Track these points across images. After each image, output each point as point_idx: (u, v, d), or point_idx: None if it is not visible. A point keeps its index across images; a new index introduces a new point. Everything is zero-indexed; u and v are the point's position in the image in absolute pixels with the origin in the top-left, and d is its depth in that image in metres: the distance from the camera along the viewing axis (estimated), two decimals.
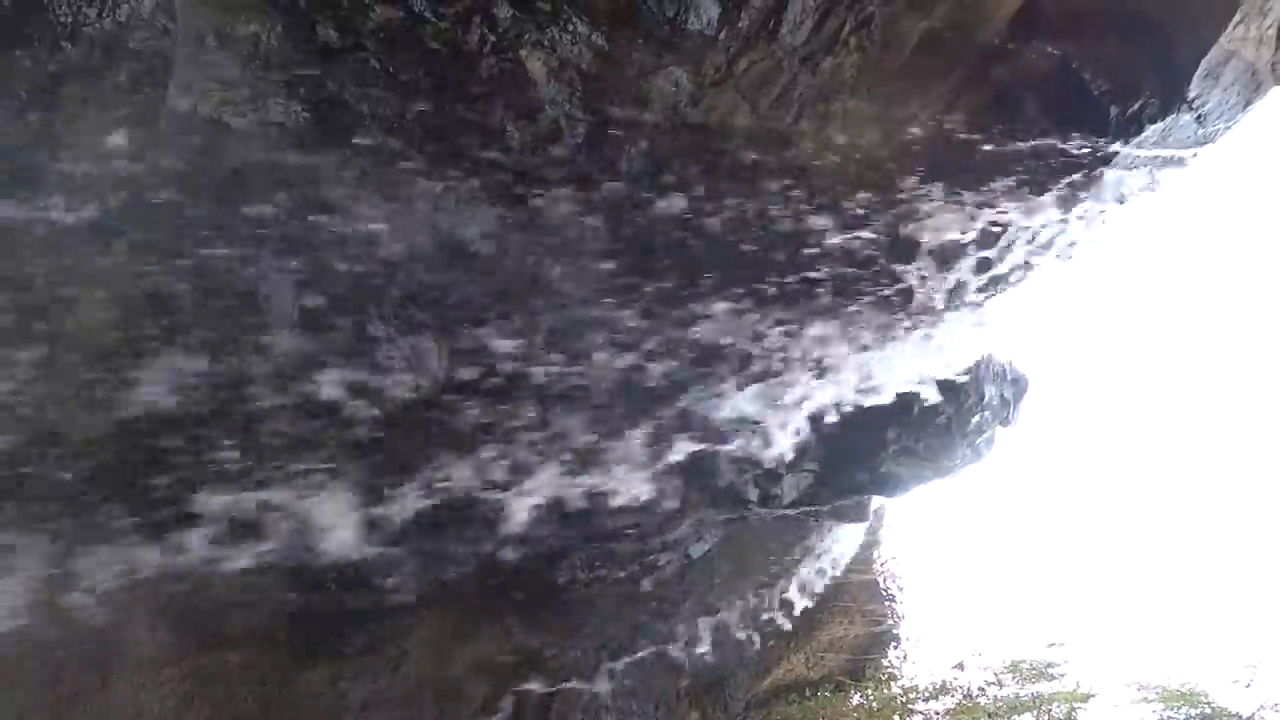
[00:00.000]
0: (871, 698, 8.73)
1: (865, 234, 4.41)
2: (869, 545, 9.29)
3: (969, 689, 9.04)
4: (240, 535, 3.96)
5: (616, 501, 4.83)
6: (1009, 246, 4.81)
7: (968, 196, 4.38)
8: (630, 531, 5.40)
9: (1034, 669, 9.50)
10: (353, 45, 3.48)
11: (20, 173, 3.18)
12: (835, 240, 4.42)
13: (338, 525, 4.17)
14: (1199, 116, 4.49)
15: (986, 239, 4.75)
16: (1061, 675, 9.44)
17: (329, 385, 3.94)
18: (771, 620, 7.45)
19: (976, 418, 6.32)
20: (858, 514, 7.59)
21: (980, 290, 5.15)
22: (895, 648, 9.37)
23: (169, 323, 3.61)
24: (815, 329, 4.79)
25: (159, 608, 4.21)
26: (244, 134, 3.51)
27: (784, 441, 5.25)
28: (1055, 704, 8.91)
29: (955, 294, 5.06)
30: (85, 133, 3.23)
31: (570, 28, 3.65)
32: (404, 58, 3.55)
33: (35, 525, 3.59)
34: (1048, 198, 4.51)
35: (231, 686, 4.58)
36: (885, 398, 5.52)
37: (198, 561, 3.89)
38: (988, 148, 4.24)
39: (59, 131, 3.20)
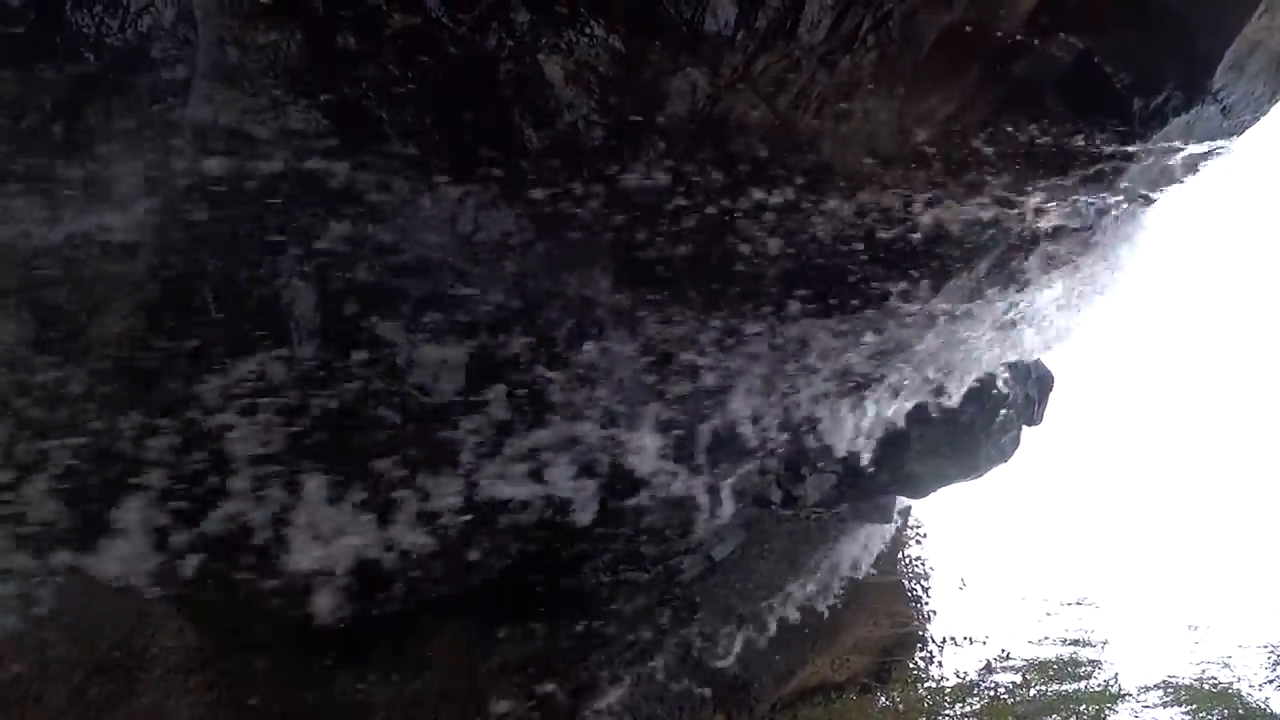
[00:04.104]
0: (898, 700, 8.67)
1: (886, 234, 4.38)
2: (893, 546, 9.24)
3: (996, 691, 8.96)
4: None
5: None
6: (1032, 243, 4.77)
7: (987, 192, 4.34)
8: (654, 533, 5.40)
9: (1062, 669, 9.42)
10: (371, 51, 3.50)
11: (45, 183, 3.22)
12: (859, 243, 4.40)
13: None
14: (1224, 108, 4.43)
15: (1007, 235, 4.71)
16: (1090, 675, 9.35)
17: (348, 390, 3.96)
18: (795, 622, 7.42)
19: (1001, 417, 6.27)
20: (881, 515, 7.55)
21: (1002, 289, 5.11)
22: (921, 649, 9.30)
23: (192, 331, 3.64)
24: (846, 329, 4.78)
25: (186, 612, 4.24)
26: (265, 142, 3.53)
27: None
28: (1084, 705, 8.83)
29: (975, 293, 5.02)
30: (108, 142, 3.27)
31: (587, 31, 3.65)
32: (422, 63, 3.57)
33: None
34: (1069, 193, 4.47)
35: (257, 691, 4.60)
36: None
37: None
38: (1007, 142, 4.20)
39: (83, 141, 3.23)
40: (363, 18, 3.44)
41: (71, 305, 3.47)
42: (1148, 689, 9.06)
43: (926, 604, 9.76)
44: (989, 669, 9.28)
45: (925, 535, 10.40)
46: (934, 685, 8.99)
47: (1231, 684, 9.09)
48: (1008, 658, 9.50)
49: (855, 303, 4.61)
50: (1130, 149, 4.34)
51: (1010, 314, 5.33)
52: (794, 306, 4.51)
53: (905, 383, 5.25)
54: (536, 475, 4.44)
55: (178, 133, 3.40)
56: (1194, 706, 8.75)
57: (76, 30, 3.19)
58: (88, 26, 3.20)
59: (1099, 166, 4.42)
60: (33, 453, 3.52)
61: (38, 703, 4.01)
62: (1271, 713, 8.55)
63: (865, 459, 5.44)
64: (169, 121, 3.38)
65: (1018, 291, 5.12)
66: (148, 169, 3.39)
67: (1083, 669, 9.45)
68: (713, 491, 5.04)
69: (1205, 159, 4.70)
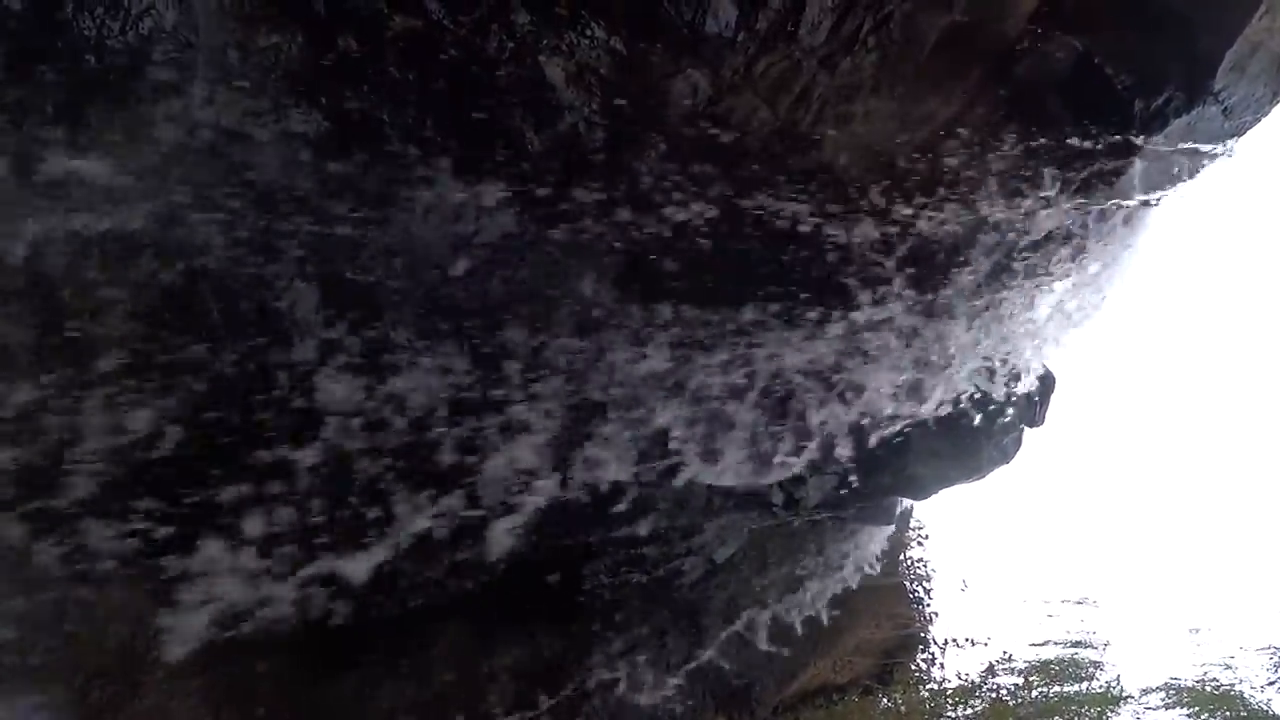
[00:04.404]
0: (900, 702, 8.66)
1: (888, 234, 4.37)
2: (895, 548, 9.23)
3: (998, 692, 8.95)
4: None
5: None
6: (1034, 245, 4.76)
7: (988, 192, 4.34)
8: (656, 535, 5.40)
9: (1064, 671, 9.42)
10: (372, 54, 3.50)
11: (47, 185, 3.22)
12: (859, 242, 4.39)
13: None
14: (1225, 109, 4.43)
15: (1009, 238, 4.71)
16: (1092, 677, 9.35)
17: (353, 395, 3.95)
18: (797, 624, 7.41)
19: (1003, 418, 6.26)
20: (883, 516, 7.53)
21: (1004, 290, 5.11)
22: (923, 651, 9.29)
23: (194, 333, 3.64)
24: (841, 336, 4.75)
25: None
26: (266, 144, 3.53)
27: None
28: (1086, 707, 8.83)
29: (976, 294, 5.02)
30: (110, 145, 3.27)
31: (588, 33, 3.65)
32: (423, 66, 3.57)
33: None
34: (1071, 194, 4.47)
35: (260, 695, 4.60)
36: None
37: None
38: (1010, 144, 4.20)
39: (85, 144, 3.23)
40: (364, 20, 3.44)
41: (74, 308, 3.46)
42: (1149, 690, 9.06)
43: (928, 606, 9.76)
44: (991, 671, 9.28)
45: (927, 537, 10.40)
46: (936, 687, 8.99)
47: (1233, 685, 9.09)
48: (1009, 659, 9.50)
49: (858, 304, 4.60)
50: (1132, 150, 4.34)
51: (1013, 315, 5.32)
52: (796, 305, 4.50)
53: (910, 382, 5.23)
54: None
55: (179, 135, 3.40)
56: (1196, 708, 8.76)
57: (78, 33, 3.19)
58: (89, 29, 3.20)
59: (1101, 167, 4.42)
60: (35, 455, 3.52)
61: (40, 707, 4.00)
62: (1273, 714, 8.55)
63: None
64: (170, 124, 3.37)
65: (1020, 293, 5.11)
66: (149, 171, 3.39)
67: (1084, 670, 9.45)
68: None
69: (1207, 160, 4.70)
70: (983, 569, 10.68)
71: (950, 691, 8.92)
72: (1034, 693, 8.97)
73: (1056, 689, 9.05)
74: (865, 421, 5.11)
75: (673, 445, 4.65)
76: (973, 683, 9.04)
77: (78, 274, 3.40)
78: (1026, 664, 9.43)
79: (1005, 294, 5.00)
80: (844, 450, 5.10)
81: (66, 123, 3.21)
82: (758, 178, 4.14)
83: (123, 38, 3.23)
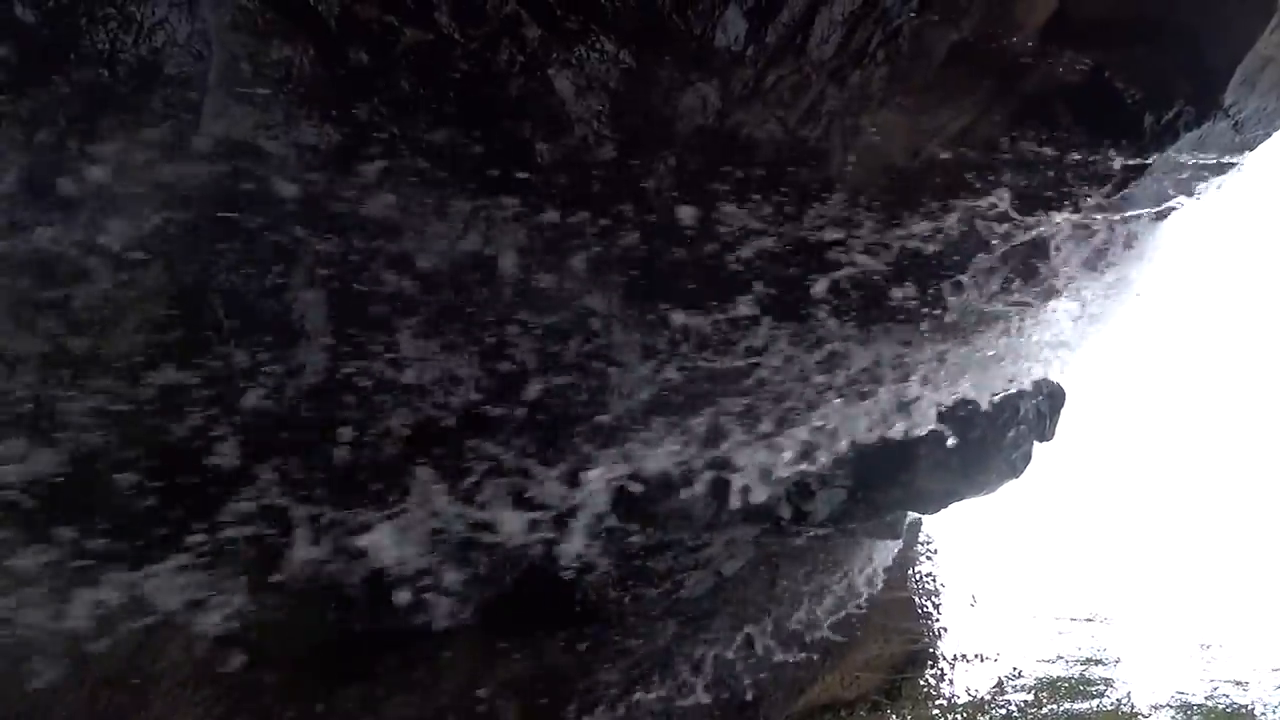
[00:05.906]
0: (909, 718, 8.59)
1: (896, 248, 4.37)
2: (904, 562, 9.19)
3: (1008, 709, 8.88)
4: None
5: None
6: (1044, 257, 4.75)
7: (999, 205, 4.34)
8: (663, 548, 5.38)
9: (1074, 687, 9.34)
10: (383, 67, 3.52)
11: (59, 198, 3.24)
12: (864, 257, 4.38)
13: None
14: (1236, 124, 4.43)
15: (1018, 249, 4.70)
16: (1102, 694, 9.27)
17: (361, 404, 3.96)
18: (805, 639, 7.38)
19: (1012, 432, 6.23)
20: (891, 531, 7.50)
21: (1013, 304, 5.10)
22: (932, 667, 9.22)
23: (203, 344, 3.65)
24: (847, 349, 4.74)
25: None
26: (277, 157, 3.55)
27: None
28: None
29: (986, 309, 5.01)
30: (122, 158, 3.29)
31: (598, 46, 3.66)
32: (434, 79, 3.59)
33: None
34: (1082, 206, 4.46)
35: (267, 705, 4.59)
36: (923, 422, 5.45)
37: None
38: (1020, 157, 4.20)
39: (97, 157, 3.25)
40: (374, 33, 3.46)
41: (85, 318, 3.48)
42: (1160, 708, 8.98)
43: (937, 621, 9.69)
44: (1000, 687, 9.19)
45: (936, 551, 10.34)
46: (945, 703, 8.91)
47: (1247, 705, 9.00)
48: (1019, 675, 9.41)
49: (867, 314, 4.59)
50: (1142, 163, 4.34)
51: (1022, 327, 5.31)
52: (808, 317, 4.50)
53: (918, 395, 5.22)
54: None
55: (190, 147, 3.42)
56: None
57: (91, 46, 3.22)
58: (102, 42, 3.23)
59: (1111, 180, 4.41)
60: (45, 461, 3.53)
61: (45, 715, 4.00)
62: None
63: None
64: (182, 136, 3.40)
65: (1030, 305, 5.10)
66: (160, 183, 3.41)
67: (1095, 687, 9.36)
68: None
69: (1217, 173, 4.69)
70: (992, 584, 10.61)
71: (960, 707, 8.84)
72: (1044, 709, 8.89)
73: (1066, 706, 8.96)
74: (862, 435, 5.12)
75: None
76: (982, 699, 8.96)
77: (88, 285, 3.41)
78: (1036, 680, 9.34)
79: (1013, 305, 4.99)
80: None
81: (78, 134, 3.24)
82: (766, 190, 4.14)
83: (135, 51, 3.26)
